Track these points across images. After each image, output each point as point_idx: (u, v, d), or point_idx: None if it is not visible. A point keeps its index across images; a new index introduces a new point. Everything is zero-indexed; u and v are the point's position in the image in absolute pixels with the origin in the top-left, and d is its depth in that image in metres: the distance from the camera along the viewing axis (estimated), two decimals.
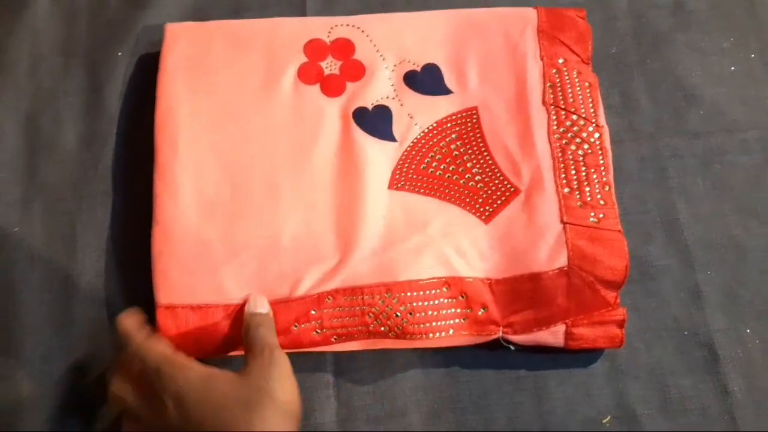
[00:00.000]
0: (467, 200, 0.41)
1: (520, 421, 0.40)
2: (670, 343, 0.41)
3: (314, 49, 0.44)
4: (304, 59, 0.43)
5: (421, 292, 0.38)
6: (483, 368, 0.40)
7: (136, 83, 0.47)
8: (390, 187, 0.41)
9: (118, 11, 0.49)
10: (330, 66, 0.43)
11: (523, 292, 0.38)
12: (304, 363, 0.40)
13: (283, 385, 0.32)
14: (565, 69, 0.44)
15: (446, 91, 0.43)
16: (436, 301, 0.38)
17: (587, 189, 0.41)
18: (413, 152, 0.42)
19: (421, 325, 0.38)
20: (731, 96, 0.47)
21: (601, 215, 0.40)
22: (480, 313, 0.38)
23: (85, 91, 0.46)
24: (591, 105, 0.43)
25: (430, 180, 0.41)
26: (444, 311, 0.38)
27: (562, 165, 0.41)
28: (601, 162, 0.42)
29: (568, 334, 0.39)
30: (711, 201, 0.44)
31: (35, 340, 0.41)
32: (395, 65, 0.44)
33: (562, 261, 0.38)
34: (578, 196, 0.40)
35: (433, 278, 0.38)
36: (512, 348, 0.39)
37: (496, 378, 0.40)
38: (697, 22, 0.49)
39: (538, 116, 0.42)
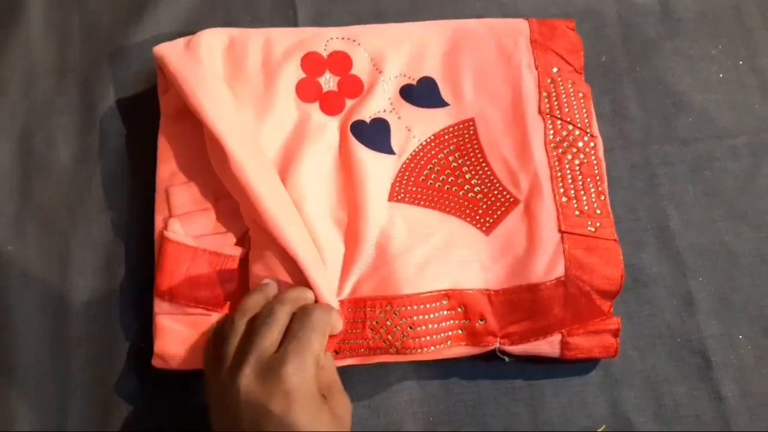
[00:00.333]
0: (467, 212, 0.41)
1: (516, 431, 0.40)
2: (664, 351, 0.42)
3: (311, 63, 0.44)
4: (302, 75, 0.43)
5: (422, 306, 0.38)
6: (478, 379, 0.41)
7: (128, 100, 0.47)
8: (390, 199, 0.41)
9: (110, 28, 0.49)
10: (328, 82, 0.44)
11: (521, 302, 0.39)
12: None
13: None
14: (559, 79, 0.44)
15: (443, 104, 0.43)
16: (436, 314, 0.38)
17: (584, 198, 0.41)
18: (412, 164, 0.42)
19: (421, 339, 0.38)
20: (720, 102, 0.48)
21: (598, 224, 0.40)
22: (478, 324, 0.38)
23: (78, 110, 0.46)
24: (585, 115, 0.43)
25: (430, 192, 0.41)
26: (443, 323, 0.38)
27: (559, 174, 0.41)
28: (596, 172, 0.42)
29: (563, 344, 0.39)
30: (701, 207, 0.45)
31: (29, 359, 0.41)
32: (392, 79, 0.44)
33: (559, 271, 0.39)
34: (575, 205, 0.41)
35: (434, 291, 0.38)
36: (506, 360, 0.40)
37: (491, 389, 0.40)
38: (686, 30, 0.50)
39: (534, 126, 0.42)
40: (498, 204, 0.41)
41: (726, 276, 0.43)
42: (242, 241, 0.40)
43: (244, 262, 0.39)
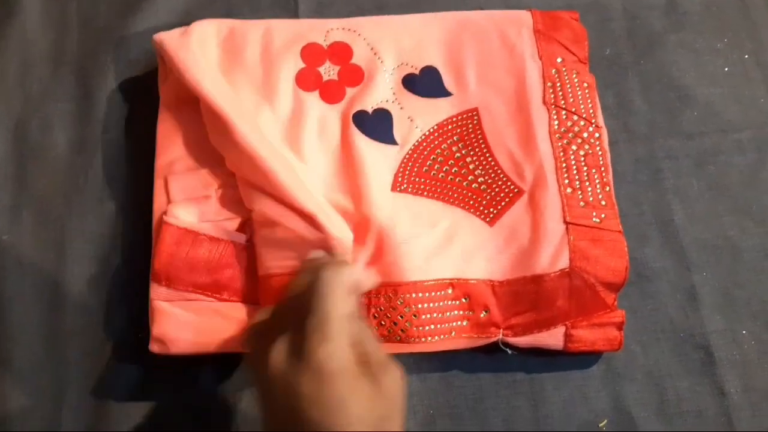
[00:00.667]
0: (471, 202, 0.40)
1: (516, 425, 0.39)
2: (667, 345, 0.41)
3: (311, 53, 0.43)
4: (301, 65, 0.43)
5: (426, 294, 0.38)
6: (479, 372, 0.40)
7: (125, 89, 0.46)
8: (393, 190, 0.40)
9: (107, 18, 0.48)
10: (328, 71, 0.43)
11: (525, 294, 0.38)
12: None
13: (402, 408, 0.30)
14: (564, 69, 0.43)
15: (446, 93, 0.43)
16: (440, 303, 0.38)
17: (589, 189, 0.40)
18: (415, 155, 0.41)
19: (425, 328, 0.37)
20: (725, 96, 0.47)
21: (603, 215, 0.40)
22: (482, 315, 0.38)
23: (75, 98, 0.46)
24: (590, 105, 0.43)
25: (433, 182, 0.41)
26: (447, 313, 0.38)
27: (564, 165, 0.41)
28: (601, 163, 0.41)
29: (567, 337, 0.39)
30: (706, 202, 0.44)
31: (24, 349, 0.40)
32: (393, 68, 0.43)
33: (564, 262, 0.38)
34: (580, 196, 0.40)
35: (439, 280, 0.38)
36: (509, 352, 0.39)
37: (492, 382, 0.40)
38: (691, 23, 0.49)
39: (539, 116, 0.42)
40: (502, 195, 0.40)
41: (730, 271, 0.43)
42: (243, 227, 0.40)
43: (246, 248, 0.39)
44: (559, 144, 0.41)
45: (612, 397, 0.40)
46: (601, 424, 0.40)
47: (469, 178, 0.41)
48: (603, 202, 0.40)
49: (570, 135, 0.42)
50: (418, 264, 0.38)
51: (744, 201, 0.44)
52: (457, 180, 0.41)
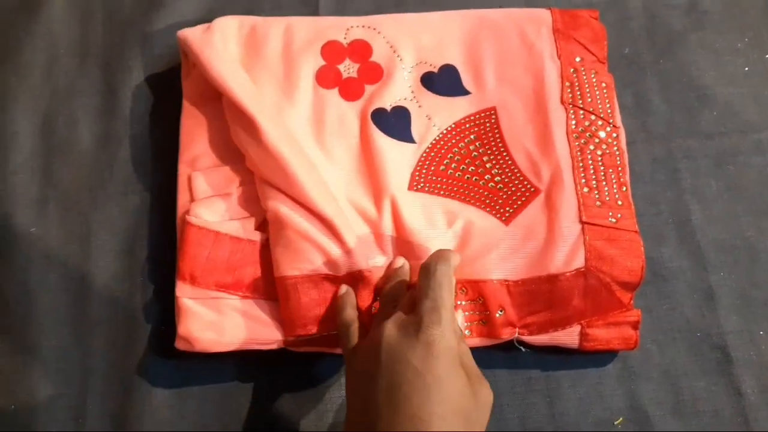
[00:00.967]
0: (487, 201, 0.41)
1: (532, 421, 0.40)
2: (683, 345, 0.41)
3: (331, 51, 0.44)
4: (321, 62, 0.43)
5: None
6: (495, 369, 0.40)
7: (150, 84, 0.47)
8: (410, 188, 0.41)
9: (132, 13, 0.49)
10: (348, 69, 0.43)
11: (540, 293, 0.38)
12: (319, 366, 0.40)
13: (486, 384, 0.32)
14: (582, 68, 0.44)
15: (464, 92, 0.43)
16: (456, 304, 0.38)
17: (605, 189, 0.41)
18: (432, 153, 0.42)
19: None
20: (745, 96, 0.47)
21: (619, 215, 0.40)
22: (498, 315, 0.38)
23: (100, 92, 0.47)
24: (608, 105, 0.43)
25: (450, 181, 0.41)
26: (462, 314, 0.38)
27: (581, 165, 0.41)
28: (618, 162, 0.42)
29: (583, 335, 0.39)
30: (724, 202, 0.44)
31: (51, 340, 0.41)
32: (412, 66, 0.44)
33: (579, 262, 0.38)
34: (597, 196, 0.40)
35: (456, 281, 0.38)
36: (523, 350, 0.40)
37: (508, 379, 0.40)
38: (711, 22, 0.49)
39: (556, 115, 0.42)
40: (518, 194, 0.41)
41: (747, 271, 0.43)
42: (263, 226, 0.40)
43: (265, 246, 0.40)
44: (577, 144, 0.41)
45: (628, 396, 0.40)
46: (616, 422, 0.40)
47: (486, 177, 0.41)
48: (619, 202, 0.40)
49: (587, 135, 0.42)
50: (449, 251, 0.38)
51: (762, 202, 0.44)
52: (473, 179, 0.41)
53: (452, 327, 0.32)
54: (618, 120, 0.43)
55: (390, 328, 0.32)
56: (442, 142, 0.42)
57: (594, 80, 0.43)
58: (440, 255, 0.34)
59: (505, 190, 0.41)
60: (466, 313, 0.38)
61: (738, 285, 0.43)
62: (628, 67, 0.48)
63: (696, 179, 0.45)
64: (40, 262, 0.43)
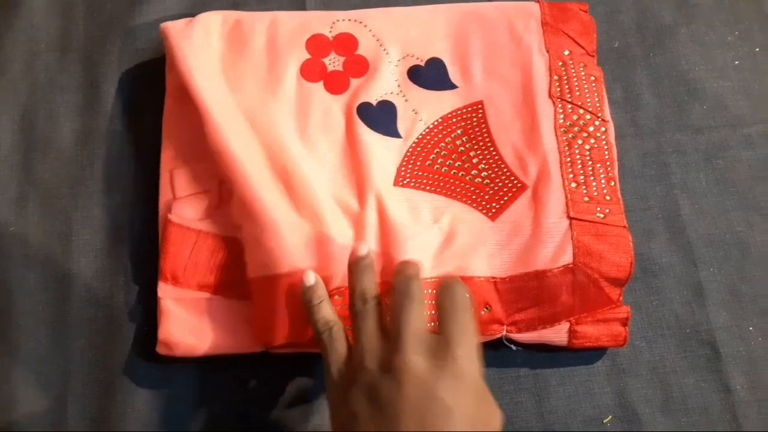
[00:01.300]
0: (474, 197, 0.40)
1: (520, 420, 0.39)
2: (672, 342, 0.41)
3: (317, 45, 0.43)
4: (306, 56, 0.43)
5: (429, 291, 0.37)
6: (484, 367, 0.40)
7: (132, 80, 0.46)
8: (395, 183, 0.40)
9: (114, 6, 0.48)
10: (333, 62, 0.43)
11: (527, 290, 0.38)
12: (302, 364, 0.40)
13: None
14: (570, 62, 0.43)
15: (451, 86, 0.43)
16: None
17: (593, 184, 0.40)
18: (418, 148, 0.41)
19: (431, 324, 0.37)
20: (735, 90, 0.47)
21: (607, 210, 0.40)
22: (483, 312, 0.38)
23: (81, 88, 0.46)
24: (597, 99, 0.43)
25: (436, 177, 0.41)
26: None
27: (568, 159, 0.41)
28: (607, 157, 0.41)
29: (571, 333, 0.38)
30: (714, 197, 0.44)
31: (30, 339, 0.40)
32: (399, 60, 0.43)
33: (567, 258, 0.38)
34: (585, 191, 0.40)
35: (441, 277, 0.38)
36: (513, 348, 0.39)
37: (496, 377, 0.40)
38: (702, 15, 0.49)
39: (544, 109, 0.42)
40: (505, 189, 0.40)
41: (737, 267, 0.42)
42: None
43: None
44: (564, 138, 0.41)
45: (617, 394, 0.40)
46: (605, 420, 0.39)
47: (473, 172, 0.41)
48: (608, 197, 0.40)
49: (576, 129, 0.41)
50: (421, 261, 0.38)
51: (752, 196, 0.44)
52: (460, 174, 0.41)
53: (477, 352, 0.30)
54: (607, 114, 0.42)
55: (415, 357, 0.29)
56: (428, 137, 0.41)
57: (583, 74, 0.43)
58: (457, 279, 0.32)
59: (491, 185, 0.40)
60: None
61: (727, 280, 0.42)
62: (617, 61, 0.47)
63: (685, 174, 0.44)
64: (19, 260, 0.42)
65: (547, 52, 0.43)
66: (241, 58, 0.42)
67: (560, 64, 0.43)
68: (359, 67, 0.43)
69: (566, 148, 0.41)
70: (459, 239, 0.39)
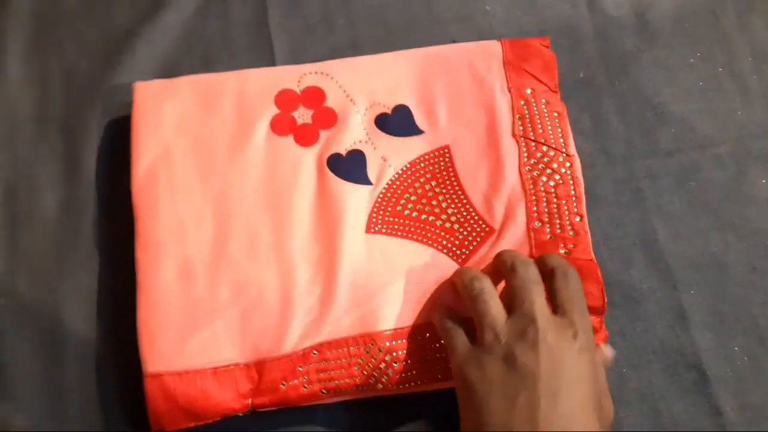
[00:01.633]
0: (444, 242, 0.41)
1: None
2: (659, 367, 0.41)
3: (285, 99, 0.44)
4: (276, 111, 0.44)
5: (404, 340, 0.38)
6: None
7: (112, 145, 0.47)
8: (367, 231, 0.41)
9: (89, 73, 0.49)
10: (302, 115, 0.44)
11: None
12: (293, 417, 0.40)
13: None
14: (533, 99, 0.44)
15: (418, 132, 0.43)
16: (419, 348, 0.38)
17: (557, 221, 0.41)
18: (388, 194, 0.42)
19: (406, 374, 0.38)
20: (701, 111, 0.47)
21: (572, 246, 0.40)
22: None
23: (62, 157, 0.47)
24: (560, 134, 0.43)
25: (407, 222, 0.41)
26: (429, 357, 0.38)
27: (533, 198, 0.41)
28: (573, 192, 0.42)
29: None
30: (688, 219, 0.45)
31: (26, 413, 0.40)
32: (366, 109, 0.44)
33: None
34: (548, 230, 0.40)
35: (416, 325, 0.38)
36: None
37: None
38: (663, 39, 0.50)
39: (508, 150, 0.42)
40: (474, 234, 0.41)
41: (717, 287, 0.43)
42: None
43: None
44: (529, 177, 0.42)
45: None
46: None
47: (442, 217, 0.41)
48: (572, 233, 0.40)
49: (540, 166, 0.42)
50: (394, 311, 0.38)
51: (726, 216, 0.45)
52: (430, 219, 0.41)
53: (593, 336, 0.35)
54: (572, 148, 0.43)
55: (548, 332, 0.33)
56: (398, 183, 0.42)
57: (545, 110, 0.44)
58: (571, 266, 0.36)
59: (461, 230, 0.41)
60: (433, 356, 0.38)
61: (709, 302, 0.43)
62: (583, 91, 0.48)
63: (659, 198, 0.45)
64: (11, 334, 0.42)
65: (509, 91, 0.44)
66: (210, 118, 0.43)
67: (522, 102, 0.44)
68: (328, 118, 0.44)
69: (531, 186, 0.41)
70: (431, 287, 0.39)
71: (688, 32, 0.50)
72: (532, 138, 0.42)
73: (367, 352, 0.38)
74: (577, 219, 0.41)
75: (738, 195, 0.45)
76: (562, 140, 0.43)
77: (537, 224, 0.40)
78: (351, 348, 0.38)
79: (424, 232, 0.41)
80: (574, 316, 0.34)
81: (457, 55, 0.45)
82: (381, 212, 0.41)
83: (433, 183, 0.42)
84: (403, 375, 0.37)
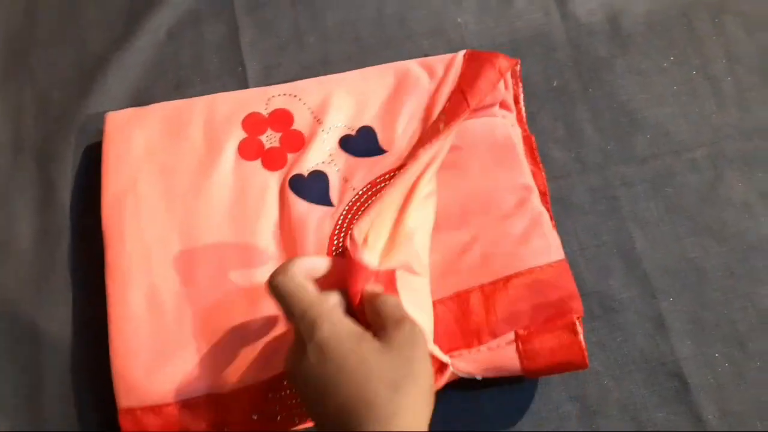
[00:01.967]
0: None
1: None
2: (640, 377, 0.41)
3: (252, 123, 0.44)
4: (243, 135, 0.43)
5: None
6: (453, 421, 0.40)
7: (86, 173, 0.47)
8: (329, 253, 0.40)
9: (63, 102, 0.49)
10: (270, 139, 0.44)
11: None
12: None
13: (426, 367, 0.31)
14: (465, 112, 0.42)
15: (380, 151, 0.43)
16: None
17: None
18: (349, 215, 0.41)
19: None
20: (676, 116, 0.47)
21: None
22: None
23: (37, 187, 0.47)
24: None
25: None
26: None
27: None
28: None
29: (522, 354, 0.37)
30: (665, 225, 0.44)
31: None
32: (331, 130, 0.44)
33: None
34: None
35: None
36: (478, 378, 0.38)
37: (466, 423, 0.40)
38: (636, 45, 0.49)
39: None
40: None
41: (696, 294, 0.43)
42: None
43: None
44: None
45: None
46: None
47: None
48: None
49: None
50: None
51: (703, 220, 0.44)
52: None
53: (328, 315, 0.32)
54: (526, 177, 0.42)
55: (289, 361, 0.32)
56: (358, 204, 0.42)
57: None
58: (276, 272, 0.34)
59: None
60: None
61: (688, 309, 0.42)
62: (557, 99, 0.48)
63: (635, 205, 0.45)
64: None
65: (460, 104, 0.43)
66: (178, 145, 0.43)
67: (442, 126, 0.42)
68: (296, 141, 0.43)
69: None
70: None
71: (660, 36, 0.50)
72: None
73: None
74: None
75: (715, 199, 0.45)
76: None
77: None
78: None
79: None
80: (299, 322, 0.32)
81: (423, 71, 0.45)
82: (342, 234, 0.41)
83: None
84: None
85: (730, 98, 0.48)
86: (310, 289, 0.33)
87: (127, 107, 0.46)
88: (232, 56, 0.49)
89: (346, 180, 0.42)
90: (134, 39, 0.50)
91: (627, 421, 0.40)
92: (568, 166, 0.46)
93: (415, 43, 0.49)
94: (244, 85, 0.48)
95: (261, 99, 0.44)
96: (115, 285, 0.40)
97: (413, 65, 0.45)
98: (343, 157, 0.43)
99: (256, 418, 0.37)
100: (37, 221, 0.46)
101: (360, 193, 0.42)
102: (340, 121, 0.44)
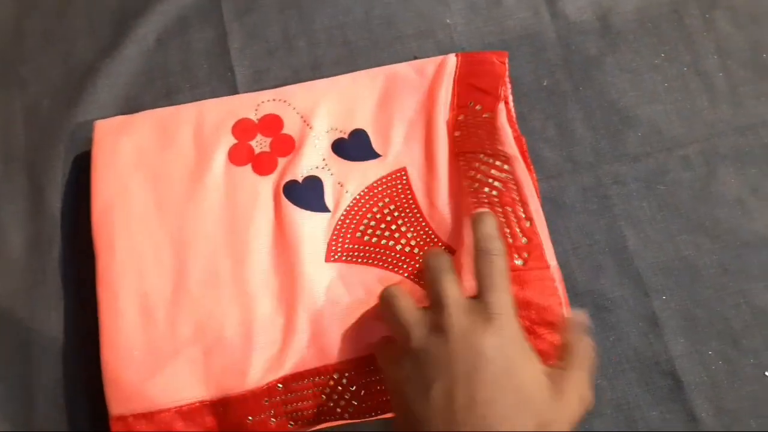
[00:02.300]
0: (405, 266, 0.40)
1: None
2: (633, 376, 0.41)
3: (242, 129, 0.44)
4: (233, 141, 0.43)
5: (370, 367, 0.38)
6: None
7: (76, 182, 0.47)
8: (327, 260, 0.40)
9: (51, 111, 0.49)
10: (260, 144, 0.44)
11: None
12: None
13: (588, 396, 0.33)
14: (473, 113, 0.43)
15: (374, 155, 0.43)
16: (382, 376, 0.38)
17: (507, 231, 0.39)
18: (347, 221, 0.41)
19: (375, 401, 0.37)
20: (668, 113, 0.47)
21: (526, 255, 0.38)
22: None
23: (27, 196, 0.46)
24: (496, 137, 0.41)
25: (367, 248, 0.41)
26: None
27: None
28: (516, 197, 0.40)
29: None
30: (658, 224, 0.44)
31: None
32: (323, 134, 0.44)
33: None
34: None
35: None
36: None
37: None
38: (626, 42, 0.49)
39: (454, 168, 0.42)
40: None
41: (689, 292, 0.42)
42: None
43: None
44: (472, 190, 0.40)
45: None
46: None
47: (402, 241, 0.41)
48: (524, 240, 0.38)
49: (479, 177, 0.40)
50: (357, 340, 0.38)
51: (697, 218, 0.44)
52: (390, 244, 0.41)
53: (515, 312, 0.33)
54: (510, 149, 0.41)
55: (458, 317, 0.32)
56: (356, 209, 0.42)
57: (481, 120, 0.42)
58: (491, 247, 0.35)
59: (420, 253, 0.40)
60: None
61: (681, 307, 0.42)
62: (548, 99, 0.48)
63: (628, 204, 0.45)
64: None
65: (452, 108, 0.43)
66: (168, 152, 0.43)
67: (461, 117, 0.42)
68: (286, 146, 0.43)
69: (474, 201, 0.39)
70: None
71: (651, 33, 0.49)
72: (470, 150, 0.41)
73: (332, 383, 0.37)
74: (527, 224, 0.39)
75: (708, 196, 0.45)
76: (499, 145, 0.41)
77: None
78: (315, 379, 0.37)
79: (384, 258, 0.40)
80: (491, 297, 0.33)
81: (414, 73, 0.45)
82: (340, 240, 0.41)
83: (392, 207, 0.42)
84: (370, 403, 0.37)
85: (722, 94, 0.47)
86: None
87: (117, 115, 0.46)
88: (222, 62, 0.49)
89: (341, 185, 0.42)
90: (122, 47, 0.50)
91: (620, 420, 0.40)
92: (560, 166, 0.45)
93: (404, 45, 0.49)
94: (233, 90, 0.48)
95: (251, 105, 0.44)
96: (106, 292, 0.40)
97: (403, 68, 0.45)
98: (336, 162, 0.43)
99: (251, 422, 0.37)
100: (27, 230, 0.46)
101: (357, 197, 0.42)
102: (331, 125, 0.44)
